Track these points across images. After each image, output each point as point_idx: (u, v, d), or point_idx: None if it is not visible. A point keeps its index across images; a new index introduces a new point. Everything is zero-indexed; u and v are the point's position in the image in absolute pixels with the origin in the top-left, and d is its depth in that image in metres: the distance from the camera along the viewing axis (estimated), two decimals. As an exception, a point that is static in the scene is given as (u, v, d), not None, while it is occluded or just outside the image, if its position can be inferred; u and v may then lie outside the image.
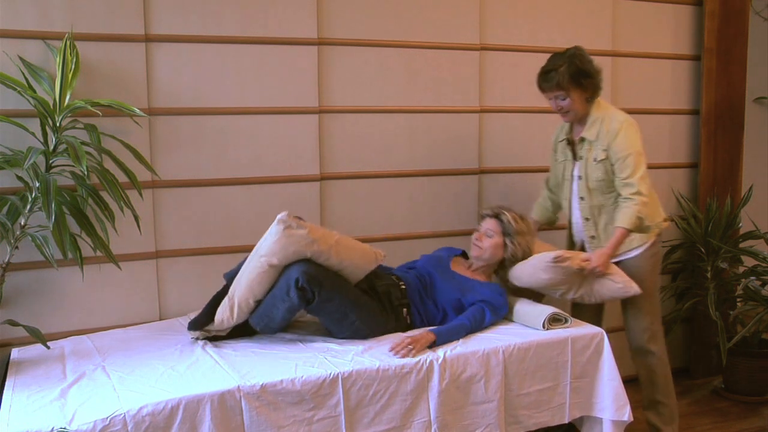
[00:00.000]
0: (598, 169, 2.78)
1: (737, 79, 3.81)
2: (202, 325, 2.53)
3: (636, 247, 2.86)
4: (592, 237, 2.89)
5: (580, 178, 2.86)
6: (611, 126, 2.76)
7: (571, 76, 2.70)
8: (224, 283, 2.67)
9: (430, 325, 2.70)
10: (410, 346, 2.39)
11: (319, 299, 2.43)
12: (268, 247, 2.47)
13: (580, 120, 2.85)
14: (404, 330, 2.65)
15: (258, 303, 2.53)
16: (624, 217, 2.72)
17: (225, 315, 2.51)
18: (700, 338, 3.85)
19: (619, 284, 2.76)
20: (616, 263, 2.84)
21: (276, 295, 2.48)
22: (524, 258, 2.84)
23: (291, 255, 2.47)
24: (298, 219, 2.51)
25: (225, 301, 2.55)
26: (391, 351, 2.40)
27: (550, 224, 3.19)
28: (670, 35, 3.74)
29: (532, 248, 2.88)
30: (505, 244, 2.85)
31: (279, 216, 2.46)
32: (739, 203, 3.75)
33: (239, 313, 2.52)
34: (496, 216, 2.89)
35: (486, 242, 2.86)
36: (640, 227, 2.79)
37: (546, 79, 2.76)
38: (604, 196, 2.83)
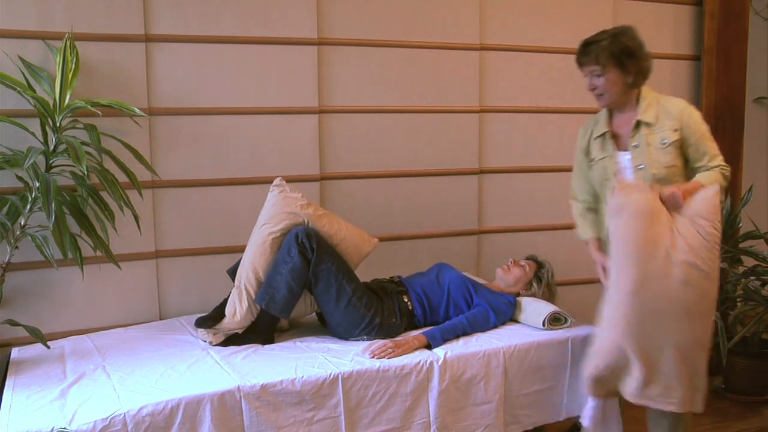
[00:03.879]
0: (667, 153, 2.47)
1: (737, 79, 3.80)
2: (211, 321, 2.52)
3: None
4: None
5: (640, 168, 2.51)
6: (676, 106, 2.50)
7: (612, 52, 2.44)
8: (226, 279, 2.68)
9: (433, 312, 2.71)
10: (390, 350, 2.38)
11: (317, 258, 2.49)
12: (266, 213, 2.63)
13: (620, 107, 2.56)
14: (410, 317, 2.66)
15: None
16: (707, 176, 2.45)
17: (235, 305, 2.53)
18: (700, 338, 3.84)
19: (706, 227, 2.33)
20: None
21: (278, 261, 2.53)
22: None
23: (288, 218, 2.59)
24: None
25: (233, 292, 2.57)
26: (365, 352, 2.39)
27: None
28: (670, 35, 3.74)
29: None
30: (531, 284, 2.89)
31: (274, 181, 2.68)
32: (739, 203, 3.74)
33: (248, 297, 2.53)
34: (540, 263, 2.97)
35: (516, 269, 2.90)
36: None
37: (585, 51, 2.49)
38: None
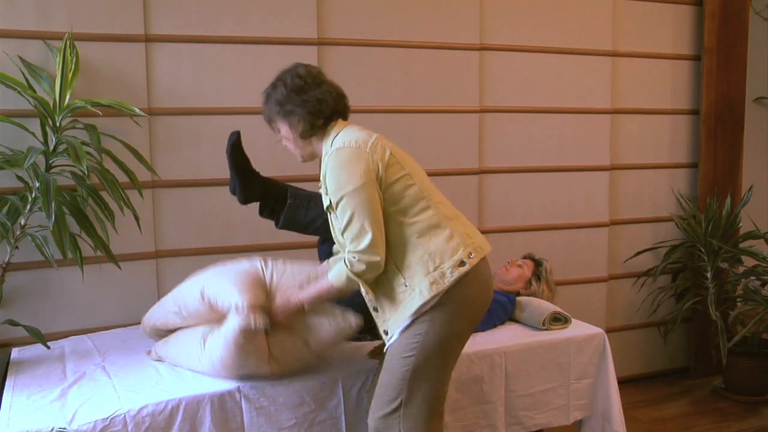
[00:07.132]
0: (333, 221, 2.05)
1: (737, 79, 3.81)
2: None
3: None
4: (374, 309, 2.09)
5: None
6: (327, 155, 1.99)
7: (270, 104, 2.06)
8: None
9: None
10: None
11: None
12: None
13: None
14: None
15: None
16: (336, 271, 2.02)
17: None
18: (700, 338, 3.85)
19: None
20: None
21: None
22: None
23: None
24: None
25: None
26: (367, 355, 2.38)
27: None
28: (670, 35, 3.74)
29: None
30: (530, 282, 2.89)
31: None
32: (739, 203, 3.75)
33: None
34: (537, 262, 2.96)
35: (514, 269, 2.91)
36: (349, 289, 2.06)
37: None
38: None
